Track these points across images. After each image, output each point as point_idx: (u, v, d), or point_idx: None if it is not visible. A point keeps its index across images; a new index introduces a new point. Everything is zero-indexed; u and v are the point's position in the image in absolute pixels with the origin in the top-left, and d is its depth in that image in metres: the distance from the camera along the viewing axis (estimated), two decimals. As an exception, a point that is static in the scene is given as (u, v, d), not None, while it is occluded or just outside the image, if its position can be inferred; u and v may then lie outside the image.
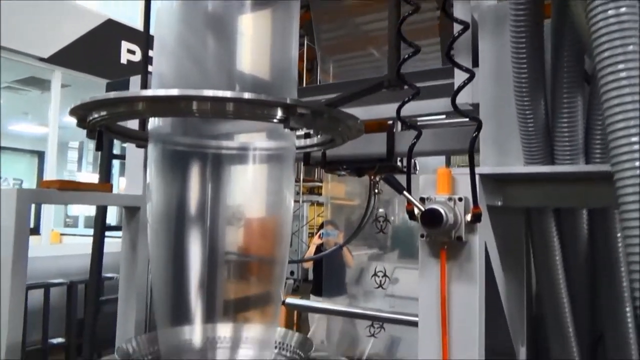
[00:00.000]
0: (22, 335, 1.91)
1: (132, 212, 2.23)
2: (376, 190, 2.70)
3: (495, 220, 1.25)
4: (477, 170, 1.05)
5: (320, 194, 8.37)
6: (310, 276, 6.03)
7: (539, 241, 1.47)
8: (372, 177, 2.61)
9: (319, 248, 5.00)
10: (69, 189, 1.86)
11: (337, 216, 5.74)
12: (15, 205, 1.77)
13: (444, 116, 2.67)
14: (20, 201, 1.78)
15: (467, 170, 1.04)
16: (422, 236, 1.06)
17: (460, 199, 1.03)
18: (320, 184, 8.39)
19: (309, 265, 5.73)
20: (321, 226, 5.51)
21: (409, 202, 1.05)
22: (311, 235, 7.29)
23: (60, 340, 3.99)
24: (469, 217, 1.02)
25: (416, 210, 1.03)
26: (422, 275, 1.08)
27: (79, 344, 3.70)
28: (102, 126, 1.46)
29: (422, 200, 1.04)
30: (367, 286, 4.88)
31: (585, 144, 1.24)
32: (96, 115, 1.31)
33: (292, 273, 6.89)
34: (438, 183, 1.05)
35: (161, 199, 1.69)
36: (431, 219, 0.99)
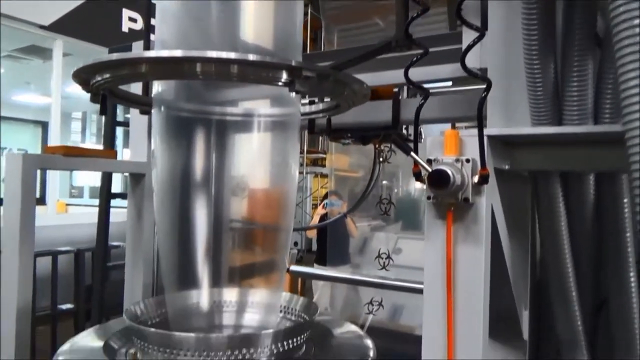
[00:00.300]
0: (31, 301, 1.94)
1: (137, 179, 2.24)
2: (381, 159, 2.69)
3: (502, 186, 1.24)
4: (485, 131, 1.03)
5: (324, 166, 8.35)
6: (314, 247, 6.08)
7: (545, 207, 1.46)
8: (377, 145, 2.59)
9: (323, 218, 5.03)
10: (73, 155, 1.86)
11: (341, 187, 5.75)
12: (21, 171, 1.78)
13: (450, 83, 2.64)
14: (25, 166, 1.78)
15: (475, 131, 1.03)
16: (428, 198, 1.05)
17: (467, 161, 1.02)
18: (324, 156, 8.36)
19: (312, 234, 5.77)
20: (325, 196, 5.52)
21: (416, 164, 1.04)
22: (315, 206, 7.31)
23: (69, 306, 4.07)
24: (476, 179, 1.01)
25: (423, 172, 1.03)
26: (428, 238, 1.09)
27: (88, 309, 3.77)
28: (106, 90, 1.44)
29: (429, 161, 1.04)
30: (370, 256, 4.93)
31: (594, 108, 1.22)
32: (99, 79, 1.29)
33: (295, 244, 6.94)
34: (445, 144, 1.04)
35: (166, 166, 1.69)
36: (438, 180, 0.98)
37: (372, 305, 3.42)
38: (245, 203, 1.88)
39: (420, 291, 2.17)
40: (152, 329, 1.43)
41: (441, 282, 1.07)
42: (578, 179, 1.48)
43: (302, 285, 5.54)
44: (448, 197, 1.03)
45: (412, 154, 1.03)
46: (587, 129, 1.06)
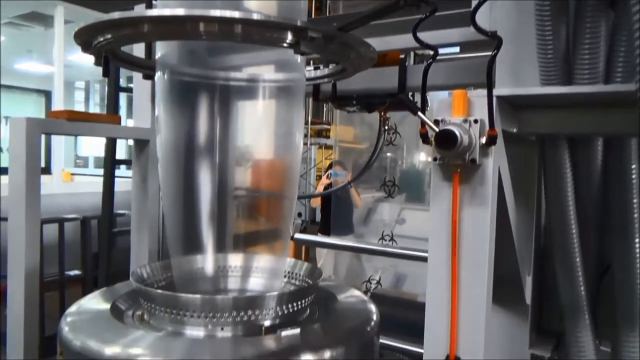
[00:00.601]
0: (40, 266, 1.97)
1: (141, 145, 2.23)
2: (386, 127, 2.66)
3: (509, 150, 1.23)
4: (494, 92, 1.02)
5: (328, 137, 8.29)
6: (318, 217, 6.10)
7: (551, 172, 1.45)
8: (383, 113, 2.56)
9: (327, 188, 5.03)
10: (77, 120, 1.85)
11: (345, 159, 5.73)
12: (25, 135, 1.77)
13: (457, 50, 2.59)
14: (29, 131, 1.77)
15: (484, 92, 1.01)
16: (434, 160, 1.04)
17: (475, 121, 1.00)
18: (328, 127, 8.30)
19: (316, 203, 5.78)
20: (329, 166, 5.51)
21: (423, 125, 1.03)
22: (319, 178, 7.30)
23: (76, 272, 4.14)
24: (484, 140, 1.00)
25: (430, 133, 1.01)
26: (433, 200, 1.08)
27: (95, 276, 3.83)
28: (108, 51, 1.42)
29: (437, 122, 1.02)
30: (374, 227, 4.95)
31: (605, 70, 1.20)
32: (101, 39, 1.27)
33: (299, 214, 6.96)
34: (453, 105, 1.02)
35: (170, 132, 1.68)
36: (445, 140, 0.97)
37: (370, 283, 3.48)
38: (249, 169, 1.87)
39: (423, 259, 2.19)
40: (159, 291, 1.45)
41: (446, 244, 1.07)
42: (586, 144, 1.46)
43: (305, 256, 5.59)
44: (455, 159, 1.01)
45: (420, 113, 1.01)
46: (598, 89, 1.04)
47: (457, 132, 0.97)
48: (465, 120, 1.01)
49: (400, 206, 5.04)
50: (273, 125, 1.83)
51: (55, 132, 1.93)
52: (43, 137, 1.85)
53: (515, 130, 1.22)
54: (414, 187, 5.17)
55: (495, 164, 1.04)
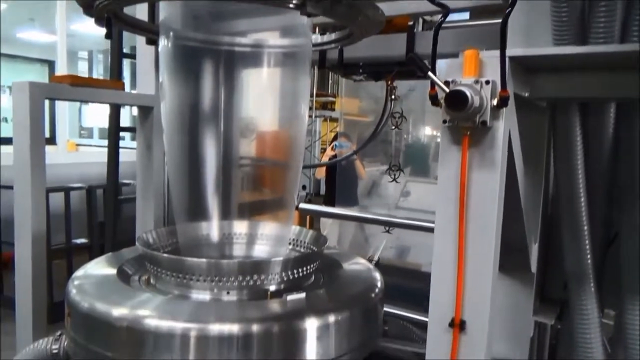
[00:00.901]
0: (47, 233, 1.98)
1: (145, 112, 2.21)
2: (392, 97, 2.62)
3: (520, 115, 1.20)
4: (507, 52, 0.98)
5: (333, 110, 8.23)
6: (323, 191, 6.11)
7: (561, 140, 1.43)
8: (390, 81, 2.52)
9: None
10: (81, 85, 1.83)
11: (350, 132, 5.70)
12: (28, 100, 1.76)
13: (467, 16, 2.53)
14: (33, 95, 1.76)
15: (496, 52, 0.98)
16: (444, 122, 1.02)
17: (487, 82, 0.98)
18: (333, 100, 8.23)
19: (321, 174, 5.78)
20: (334, 138, 5.49)
21: (433, 87, 1.00)
22: (323, 150, 7.28)
23: (83, 240, 4.18)
24: (495, 102, 0.97)
25: (440, 95, 0.99)
26: (442, 164, 1.06)
27: (101, 244, 3.87)
28: (110, 12, 1.39)
29: (447, 83, 0.99)
30: (378, 199, 4.95)
31: (621, 32, 1.17)
32: (103, -1, 1.24)
33: (304, 187, 6.97)
34: (465, 65, 1.00)
35: (174, 98, 1.66)
36: (456, 101, 0.94)
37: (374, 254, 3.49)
38: (254, 137, 1.86)
39: (427, 229, 2.18)
40: (165, 255, 1.46)
41: (454, 208, 1.05)
42: (597, 112, 1.44)
43: (310, 227, 5.62)
44: (465, 121, 0.99)
45: (430, 73, 0.99)
46: (614, 49, 1.00)
47: (468, 93, 0.94)
48: (476, 81, 0.98)
49: (405, 179, 5.03)
50: (278, 93, 1.80)
51: (58, 97, 1.91)
52: (47, 107, 1.84)
53: (527, 94, 1.19)
54: (419, 160, 5.16)
55: (506, 127, 1.02)
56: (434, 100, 1.02)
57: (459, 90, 0.94)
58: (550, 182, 1.66)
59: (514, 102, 1.11)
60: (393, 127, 2.73)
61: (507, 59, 0.97)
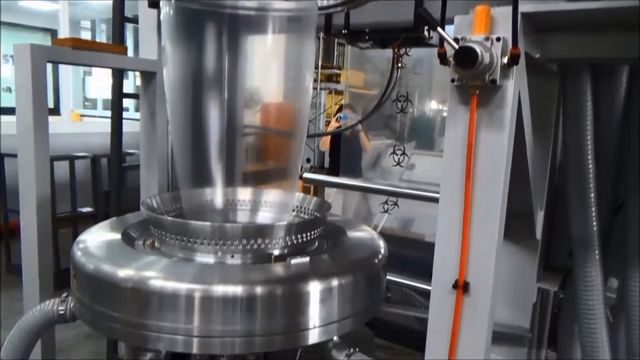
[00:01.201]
0: (52, 201, 1.98)
1: (148, 78, 2.19)
2: (399, 65, 2.58)
3: (531, 78, 1.17)
4: (519, 9, 0.95)
5: (338, 82, 8.14)
6: (327, 164, 6.09)
7: (571, 104, 1.41)
8: (397, 49, 2.47)
9: (336, 133, 4.99)
10: (83, 48, 1.80)
11: (355, 104, 5.65)
12: (30, 63, 1.73)
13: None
14: (34, 58, 1.73)
15: (508, 9, 0.95)
16: (452, 81, 1.00)
17: (498, 39, 0.95)
18: (338, 72, 8.12)
19: (325, 146, 5.76)
20: (339, 109, 5.44)
21: (442, 45, 0.97)
22: (328, 123, 7.24)
23: (88, 209, 4.22)
24: (505, 59, 0.95)
25: (449, 53, 0.96)
26: (449, 124, 1.04)
27: (106, 213, 3.89)
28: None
29: (456, 40, 0.96)
30: (383, 171, 4.94)
31: None
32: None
33: (308, 160, 6.96)
34: (475, 21, 0.96)
35: (177, 64, 1.63)
36: (465, 58, 0.91)
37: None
38: (259, 104, 1.84)
39: (431, 199, 2.17)
40: (170, 218, 1.46)
41: (461, 170, 1.04)
42: (609, 75, 1.40)
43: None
44: (474, 79, 0.97)
45: (439, 29, 0.96)
46: (631, 3, 0.96)
47: (477, 50, 0.91)
48: (487, 38, 0.95)
49: (410, 152, 5.00)
50: (283, 58, 1.77)
51: (60, 61, 1.88)
52: (50, 77, 1.81)
53: (538, 55, 1.16)
54: (424, 134, 5.12)
55: (516, 87, 0.99)
56: (443, 58, 0.99)
57: (468, 46, 0.92)
58: (557, 152, 1.64)
59: (525, 62, 1.08)
60: (398, 111, 2.68)
61: (519, 15, 0.94)
